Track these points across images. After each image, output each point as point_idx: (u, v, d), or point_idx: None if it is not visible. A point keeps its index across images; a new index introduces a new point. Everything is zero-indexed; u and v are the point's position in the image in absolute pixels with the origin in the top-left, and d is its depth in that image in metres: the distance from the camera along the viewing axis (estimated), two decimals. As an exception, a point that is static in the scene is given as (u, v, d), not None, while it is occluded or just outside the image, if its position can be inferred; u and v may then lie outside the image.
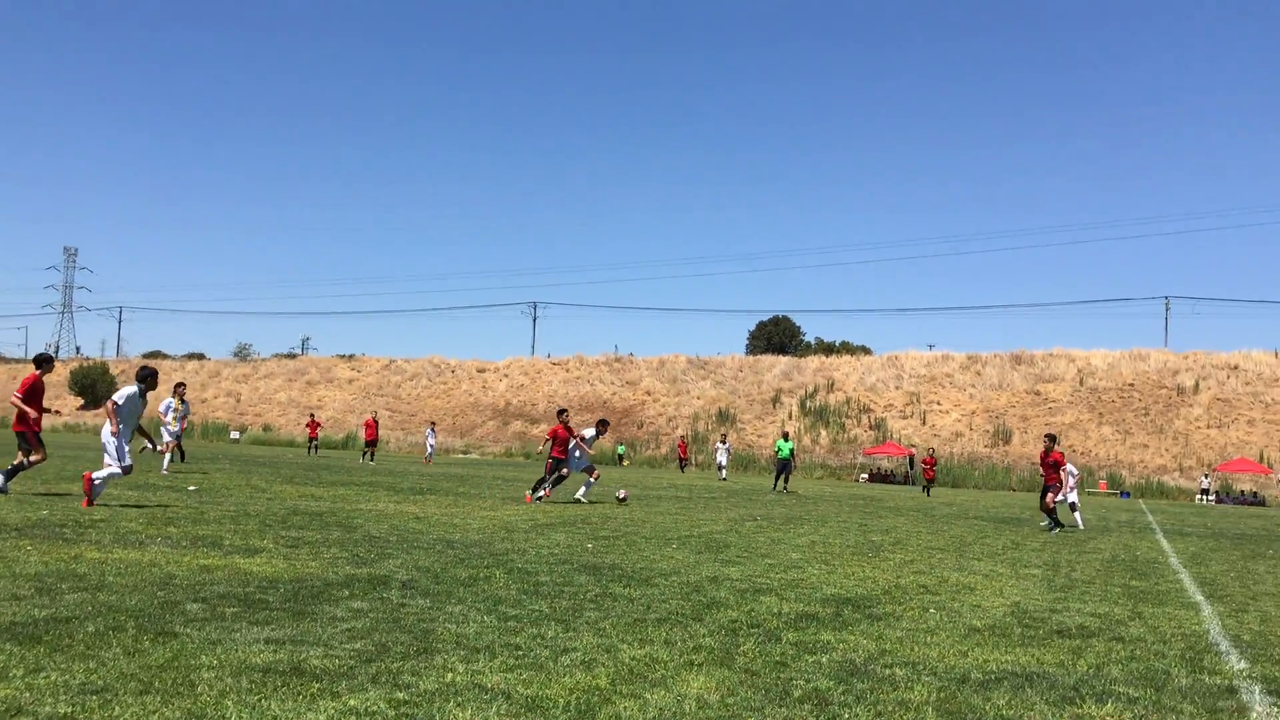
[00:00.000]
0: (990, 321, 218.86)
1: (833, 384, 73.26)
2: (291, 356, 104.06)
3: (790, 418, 69.14)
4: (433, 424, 53.01)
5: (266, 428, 78.17)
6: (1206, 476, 54.57)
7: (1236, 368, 67.65)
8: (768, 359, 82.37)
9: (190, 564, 8.73)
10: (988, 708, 5.39)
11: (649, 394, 76.66)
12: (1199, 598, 10.52)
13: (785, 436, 35.04)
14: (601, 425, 22.80)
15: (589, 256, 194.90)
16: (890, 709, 5.28)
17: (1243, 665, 6.91)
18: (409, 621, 6.80)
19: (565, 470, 21.13)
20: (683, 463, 55.67)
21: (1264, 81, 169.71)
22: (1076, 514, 22.25)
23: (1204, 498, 52.78)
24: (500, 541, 12.10)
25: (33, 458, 14.60)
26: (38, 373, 14.73)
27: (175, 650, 5.57)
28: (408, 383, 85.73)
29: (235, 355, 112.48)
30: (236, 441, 71.83)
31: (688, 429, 68.79)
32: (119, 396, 13.85)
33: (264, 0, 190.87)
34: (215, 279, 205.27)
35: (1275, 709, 5.69)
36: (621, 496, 21.33)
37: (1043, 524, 20.75)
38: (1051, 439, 20.88)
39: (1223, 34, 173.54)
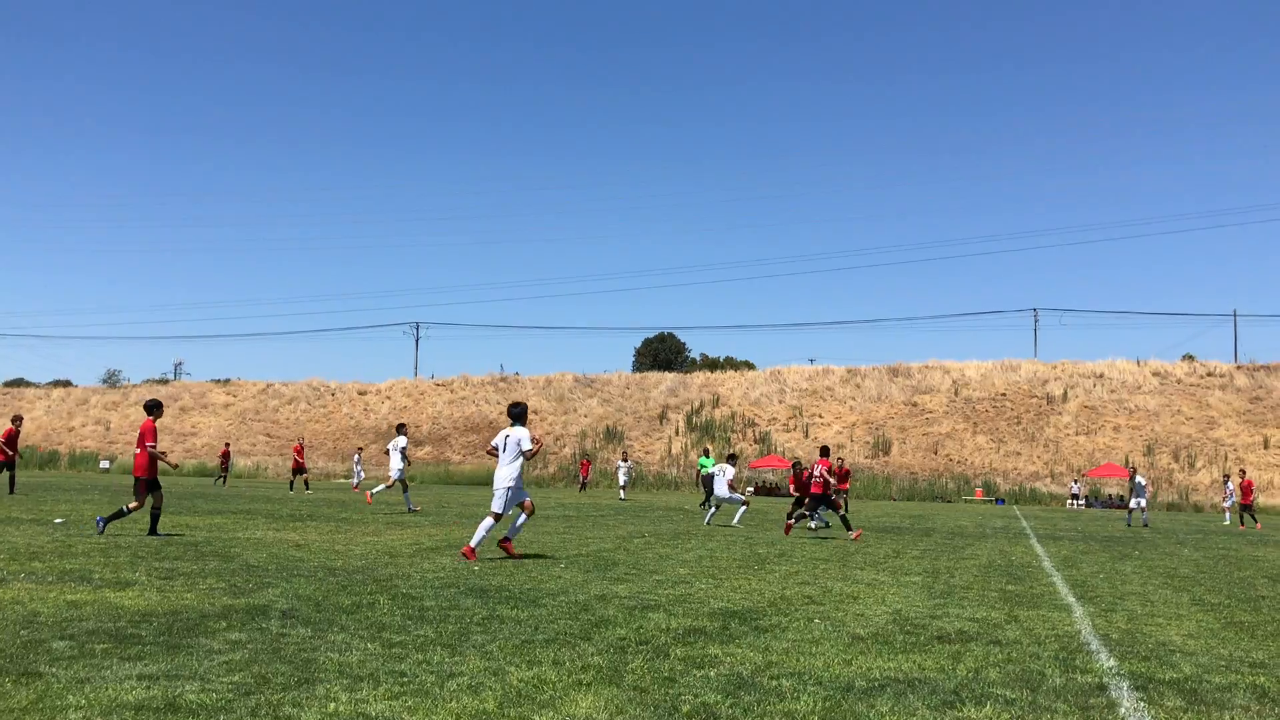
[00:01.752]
0: (869, 335, 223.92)
1: (718, 399, 74.04)
2: (164, 382, 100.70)
3: (677, 433, 69.61)
4: (360, 449, 52.15)
5: (138, 456, 75.50)
6: (1076, 482, 56.63)
7: (1102, 376, 70.50)
8: (654, 376, 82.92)
9: (57, 600, 8.36)
10: (872, 715, 5.48)
11: (536, 413, 76.35)
12: (1071, 599, 10.88)
13: (706, 453, 35.00)
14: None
15: (473, 275, 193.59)
16: (777, 720, 5.33)
17: (1112, 663, 7.16)
18: (289, 652, 6.62)
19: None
20: (584, 482, 54.90)
21: (1127, 98, 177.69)
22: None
23: (1074, 502, 54.76)
24: (384, 567, 11.88)
25: (131, 505, 15.14)
26: (152, 419, 15.19)
27: (40, 691, 5.32)
28: (286, 406, 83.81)
29: (104, 382, 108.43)
30: (107, 471, 69.19)
31: (575, 447, 68.71)
32: None
33: (113, 15, 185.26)
34: (81, 303, 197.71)
35: (1142, 704, 5.91)
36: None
37: (812, 524, 21.99)
38: (824, 450, 21.68)
39: (1086, 50, 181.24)
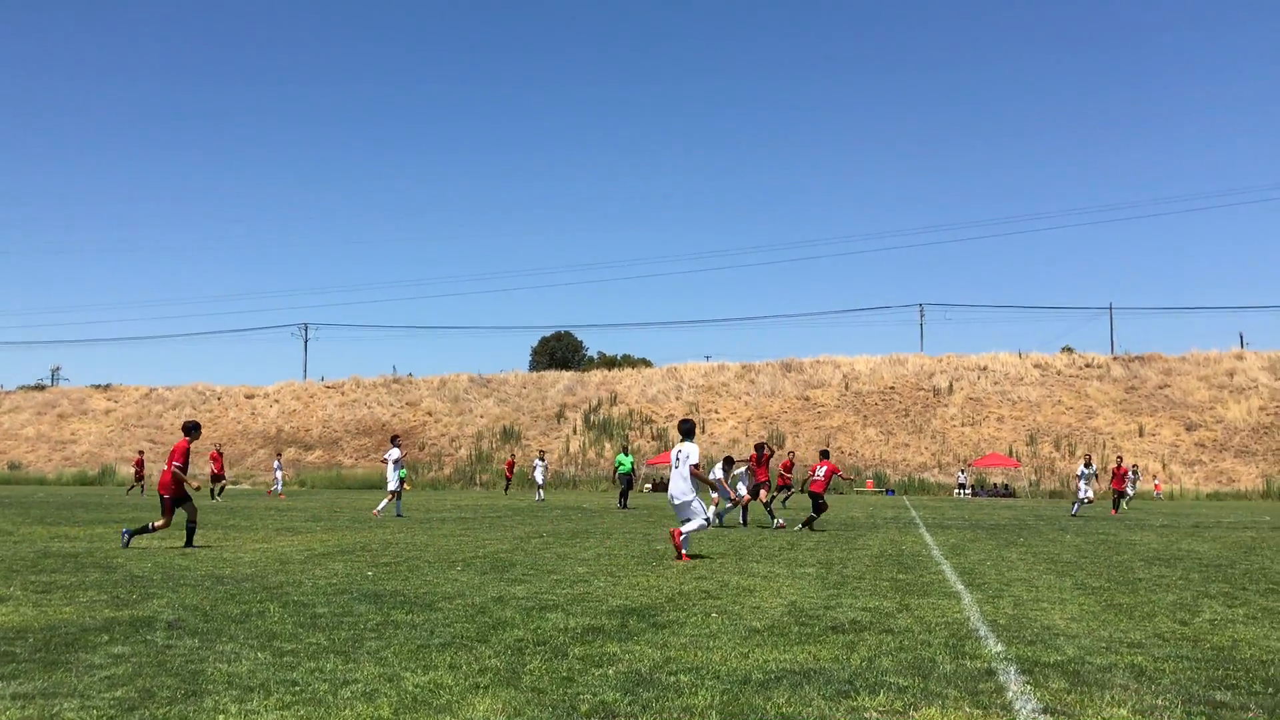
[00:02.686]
0: (762, 331, 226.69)
1: (616, 397, 74.18)
2: (40, 388, 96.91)
3: (575, 432, 69.53)
4: (279, 454, 50.73)
5: (13, 465, 72.56)
6: (963, 472, 58.15)
7: (986, 369, 72.53)
8: (551, 375, 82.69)
9: (-77, 619, 7.98)
10: (768, 707, 5.54)
11: (430, 414, 75.53)
12: (959, 587, 11.16)
13: (625, 450, 34.74)
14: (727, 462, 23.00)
15: (364, 275, 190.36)
16: (676, 715, 5.35)
17: (1000, 648, 7.36)
18: (175, 664, 6.43)
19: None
20: (508, 483, 53.06)
21: (1005, 98, 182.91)
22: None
23: (961, 492, 56.23)
24: (274, 574, 11.62)
25: (157, 523, 15.17)
26: (187, 440, 15.26)
27: (-95, 716, 5.07)
28: (170, 412, 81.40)
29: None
30: (-21, 482, 66.34)
31: (471, 449, 68.15)
32: None
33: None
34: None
35: (1028, 687, 6.09)
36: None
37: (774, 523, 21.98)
38: (760, 447, 23.14)
39: (963, 50, 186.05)
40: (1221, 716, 5.48)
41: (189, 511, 15.22)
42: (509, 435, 69.83)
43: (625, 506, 32.27)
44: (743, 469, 23.19)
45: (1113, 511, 34.11)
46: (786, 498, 28.78)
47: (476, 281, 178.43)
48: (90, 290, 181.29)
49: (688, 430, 14.62)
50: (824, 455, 22.29)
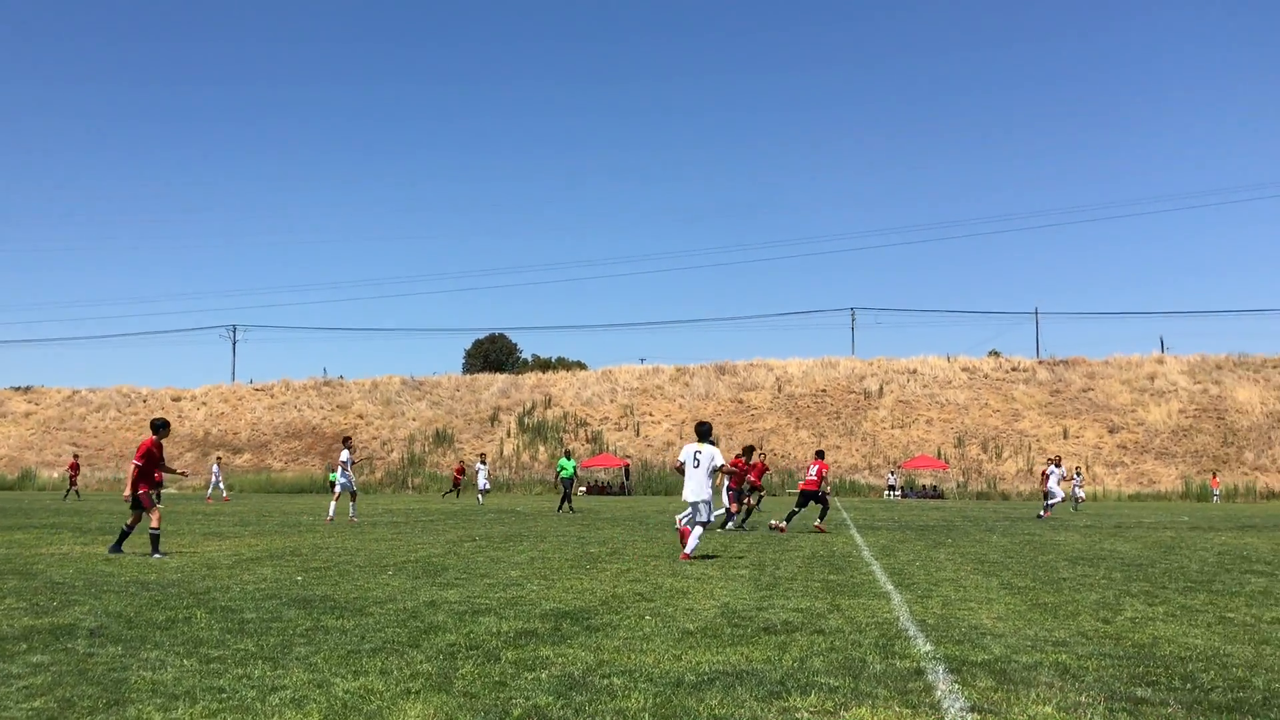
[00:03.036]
0: (697, 334, 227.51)
1: (550, 400, 74.00)
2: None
3: (509, 435, 69.24)
4: (219, 458, 49.56)
5: (-72, 470, 70.49)
6: (893, 474, 58.90)
7: (915, 372, 73.58)
8: (485, 377, 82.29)
9: None
10: (701, 709, 5.56)
11: (361, 417, 74.73)
12: (889, 587, 11.29)
13: (568, 455, 34.58)
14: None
15: (294, 276, 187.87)
16: (609, 718, 5.35)
17: (928, 648, 7.46)
18: (97, 672, 6.29)
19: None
20: (457, 489, 51.91)
21: (934, 104, 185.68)
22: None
23: (891, 493, 56.94)
24: (201, 579, 11.41)
25: (129, 521, 14.94)
26: (153, 437, 14.91)
27: None
28: (94, 414, 79.64)
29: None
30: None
31: (403, 451, 67.55)
32: None
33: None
34: None
35: (957, 686, 6.18)
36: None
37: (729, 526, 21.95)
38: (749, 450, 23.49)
39: (894, 55, 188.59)
40: (1142, 713, 5.61)
41: (134, 515, 14.85)
42: (442, 438, 69.33)
43: (570, 510, 32.16)
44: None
45: (1043, 514, 34.12)
46: (759, 501, 28.90)
47: (409, 283, 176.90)
48: (9, 291, 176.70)
49: (705, 432, 14.93)
50: (819, 455, 22.82)
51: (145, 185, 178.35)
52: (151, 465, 14.87)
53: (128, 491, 14.74)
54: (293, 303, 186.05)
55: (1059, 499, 32.21)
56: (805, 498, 22.01)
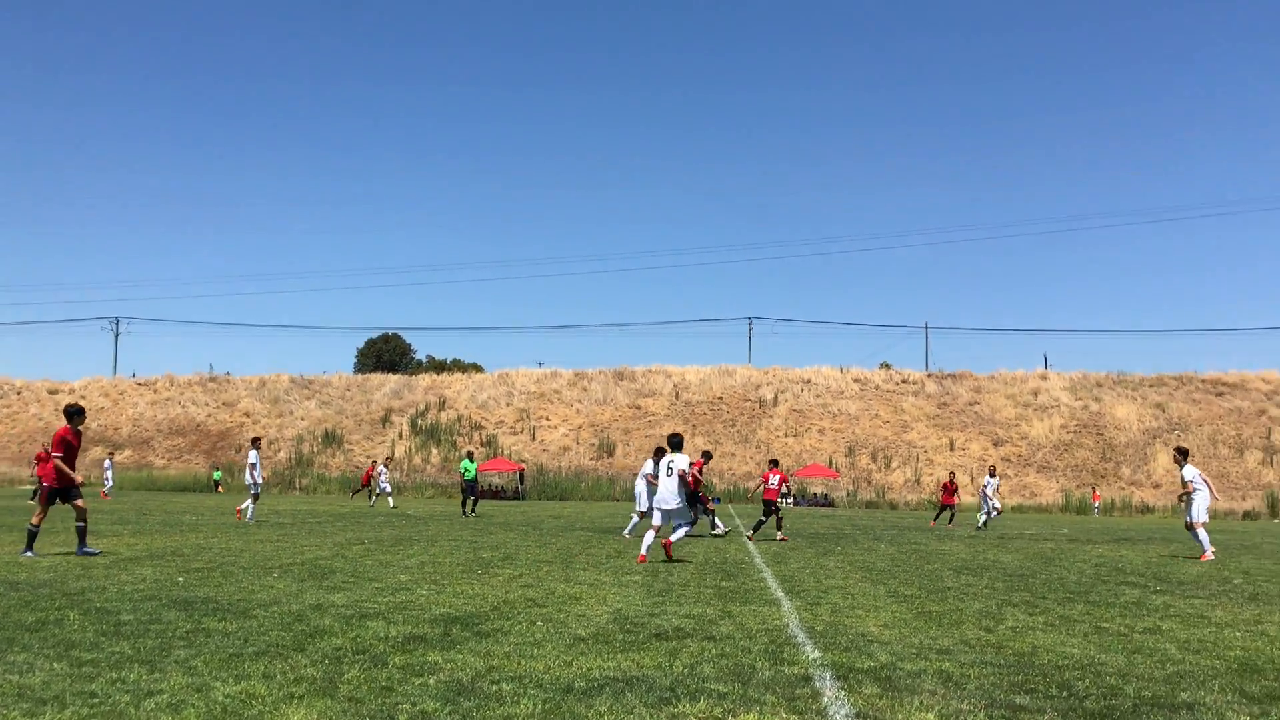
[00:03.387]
0: (596, 340, 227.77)
1: (444, 402, 73.20)
2: None
3: (400, 437, 68.30)
4: (110, 453, 47.41)
5: None
6: (785, 481, 59.62)
7: (809, 382, 74.70)
8: (377, 378, 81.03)
9: None
10: (590, 715, 5.53)
11: (248, 415, 72.98)
12: (780, 594, 11.41)
13: (469, 456, 34.20)
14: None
15: (181, 268, 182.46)
16: (497, 725, 5.29)
17: (816, 654, 7.55)
18: (-41, 677, 6.00)
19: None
20: (362, 488, 50.03)
21: (837, 122, 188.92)
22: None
23: (783, 501, 57.64)
24: (75, 580, 11.00)
25: (35, 519, 14.03)
26: (67, 426, 14.16)
27: None
28: (-35, 407, 76.29)
29: None
30: None
31: (291, 451, 66.15)
32: None
33: None
34: None
35: (843, 693, 6.26)
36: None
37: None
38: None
39: (782, 76, 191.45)
40: (1020, 719, 5.75)
41: (77, 510, 14.15)
42: (331, 439, 68.09)
43: (472, 512, 31.88)
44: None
45: (932, 524, 33.92)
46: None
47: (301, 279, 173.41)
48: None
49: (677, 444, 15.99)
50: (774, 464, 23.14)
51: (25, 170, 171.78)
52: (71, 455, 14.17)
53: (79, 478, 14.24)
54: (179, 295, 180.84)
55: (998, 510, 31.79)
56: (770, 507, 22.36)
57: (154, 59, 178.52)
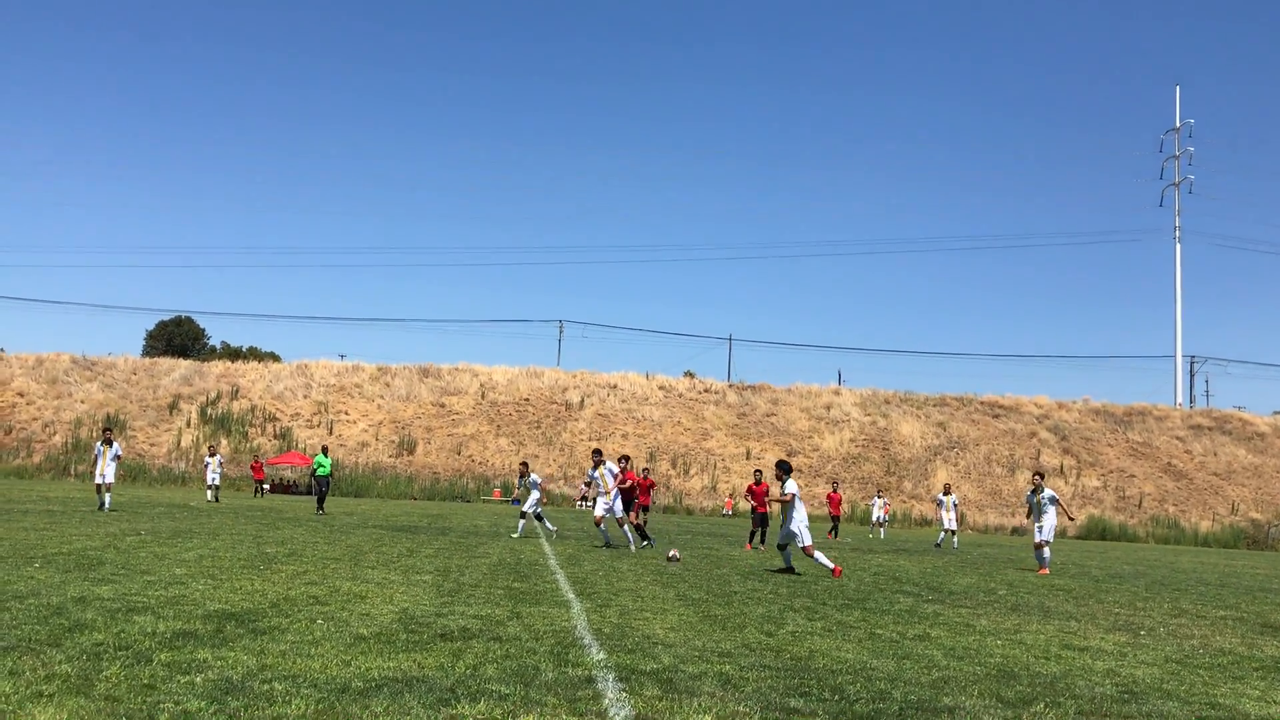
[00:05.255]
0: (401, 335, 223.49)
1: (237, 391, 70.38)
2: None
3: (189, 425, 65.29)
4: None
5: None
6: (587, 484, 59.95)
7: (615, 387, 75.35)
8: (166, 362, 77.17)
9: None
10: (366, 716, 5.39)
11: (21, 395, 68.30)
12: (571, 596, 11.43)
13: (325, 451, 32.49)
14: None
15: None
16: (265, 726, 5.09)
17: (601, 656, 7.58)
18: None
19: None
20: (259, 485, 46.94)
21: (652, 134, 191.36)
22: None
23: (583, 504, 57.93)
24: None
25: None
26: None
27: None
28: None
29: None
30: None
31: (68, 436, 62.31)
32: None
33: None
34: None
35: (624, 694, 6.30)
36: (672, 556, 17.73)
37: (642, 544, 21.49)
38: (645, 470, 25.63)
39: (613, 77, 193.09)
40: (793, 721, 5.92)
41: None
42: (112, 424, 64.48)
43: (321, 510, 30.57)
44: (535, 478, 25.05)
45: (830, 535, 32.65)
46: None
47: (86, 254, 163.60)
48: None
49: (788, 469, 16.75)
50: (761, 476, 24.46)
51: None
52: None
53: None
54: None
55: (950, 526, 31.14)
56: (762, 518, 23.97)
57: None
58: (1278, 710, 6.96)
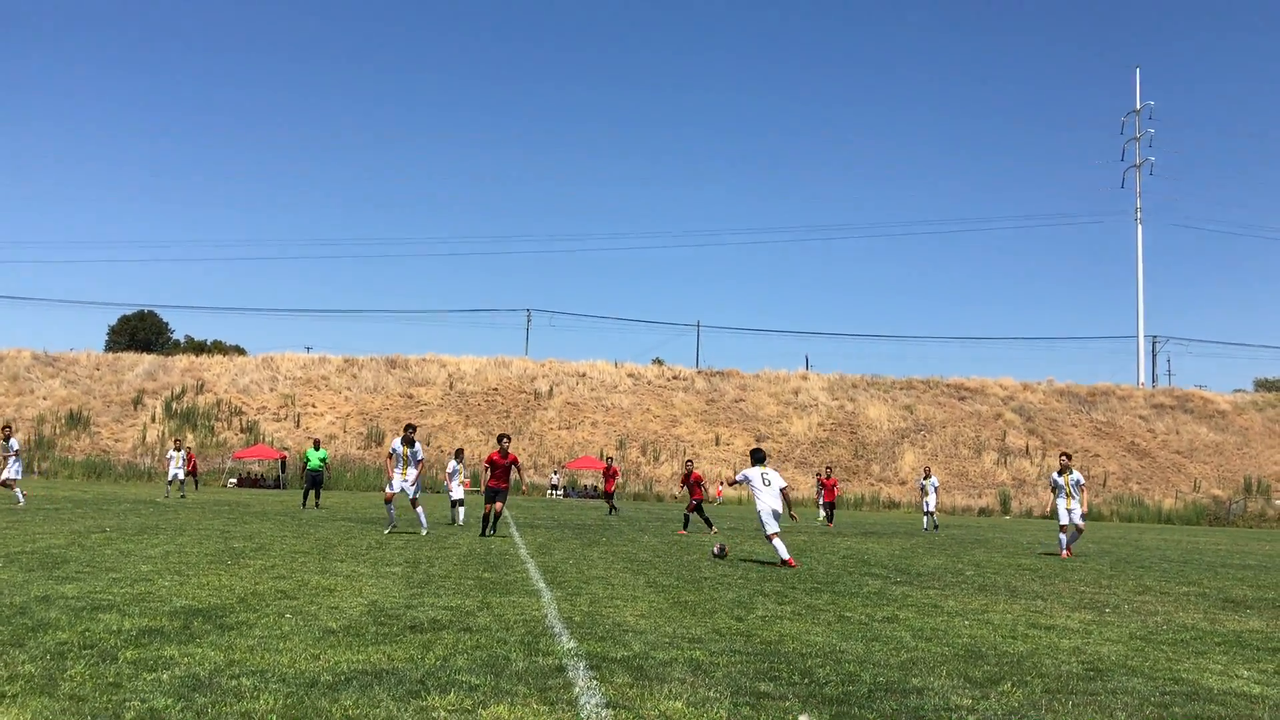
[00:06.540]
0: (367, 325, 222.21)
1: (203, 385, 69.80)
2: None
3: (154, 420, 64.70)
4: None
5: None
6: (556, 473, 59.94)
7: (584, 375, 75.31)
8: (130, 357, 76.38)
9: None
10: (335, 710, 5.36)
11: (-18, 393, 67.43)
12: (541, 585, 11.42)
13: (317, 445, 31.68)
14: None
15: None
16: (233, 722, 5.06)
17: (572, 644, 7.58)
18: None
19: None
20: (195, 479, 45.43)
21: (605, 119, 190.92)
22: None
23: (553, 492, 57.93)
24: None
25: None
26: None
27: None
28: None
29: None
30: None
31: (31, 433, 61.57)
32: None
33: None
34: None
35: (595, 682, 6.31)
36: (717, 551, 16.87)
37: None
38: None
39: (576, 69, 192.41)
40: (764, 706, 5.94)
41: None
42: (76, 420, 63.82)
43: (318, 506, 29.98)
44: (457, 465, 25.64)
45: (830, 524, 32.35)
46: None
47: (49, 249, 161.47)
48: None
49: (762, 458, 16.56)
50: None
51: None
52: None
53: None
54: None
55: (932, 510, 31.44)
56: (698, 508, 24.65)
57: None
58: (1240, 684, 7.06)
